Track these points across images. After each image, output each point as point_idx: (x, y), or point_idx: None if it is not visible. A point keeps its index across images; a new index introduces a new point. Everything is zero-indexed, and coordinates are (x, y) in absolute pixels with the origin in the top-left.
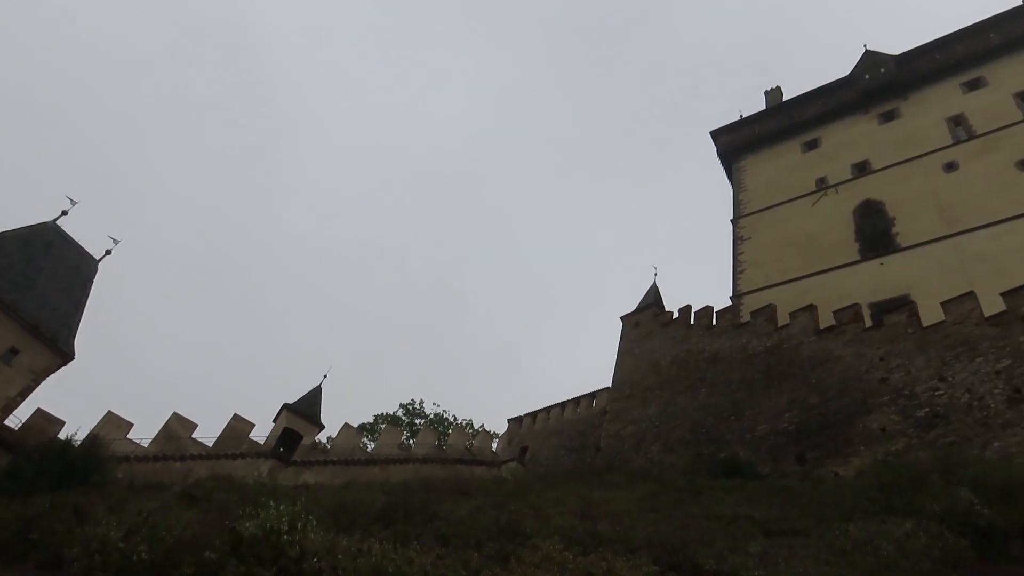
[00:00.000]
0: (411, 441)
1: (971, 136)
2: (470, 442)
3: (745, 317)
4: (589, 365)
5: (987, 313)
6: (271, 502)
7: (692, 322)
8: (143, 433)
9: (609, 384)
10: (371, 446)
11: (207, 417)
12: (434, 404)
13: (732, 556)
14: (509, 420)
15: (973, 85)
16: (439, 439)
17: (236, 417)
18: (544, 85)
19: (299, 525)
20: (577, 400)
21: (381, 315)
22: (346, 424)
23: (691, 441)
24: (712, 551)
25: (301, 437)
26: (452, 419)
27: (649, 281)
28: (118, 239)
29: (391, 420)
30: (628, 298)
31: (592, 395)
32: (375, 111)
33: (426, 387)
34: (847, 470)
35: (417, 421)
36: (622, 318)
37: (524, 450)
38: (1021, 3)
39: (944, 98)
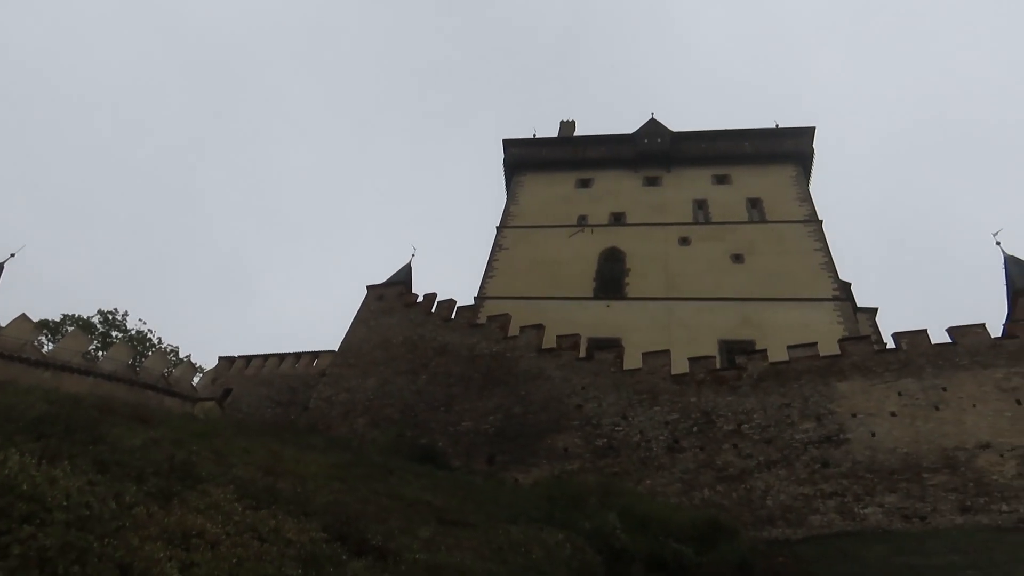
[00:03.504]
0: (100, 353)
1: (707, 221)
2: (170, 370)
3: (482, 319)
4: (319, 321)
5: (674, 371)
6: None
7: (433, 310)
8: None
9: (335, 348)
10: (49, 347)
11: None
12: (140, 320)
13: (402, 537)
14: (220, 358)
15: (721, 179)
16: (135, 359)
17: None
18: (364, 12)
19: None
20: (298, 355)
21: (97, 195)
22: (23, 315)
23: (399, 422)
24: (384, 529)
25: None
26: (156, 341)
27: (405, 258)
28: None
29: (83, 325)
30: (378, 266)
31: (315, 354)
32: None
33: (135, 298)
34: (527, 478)
35: (115, 334)
36: (368, 287)
37: (227, 392)
38: (775, 125)
39: (697, 182)
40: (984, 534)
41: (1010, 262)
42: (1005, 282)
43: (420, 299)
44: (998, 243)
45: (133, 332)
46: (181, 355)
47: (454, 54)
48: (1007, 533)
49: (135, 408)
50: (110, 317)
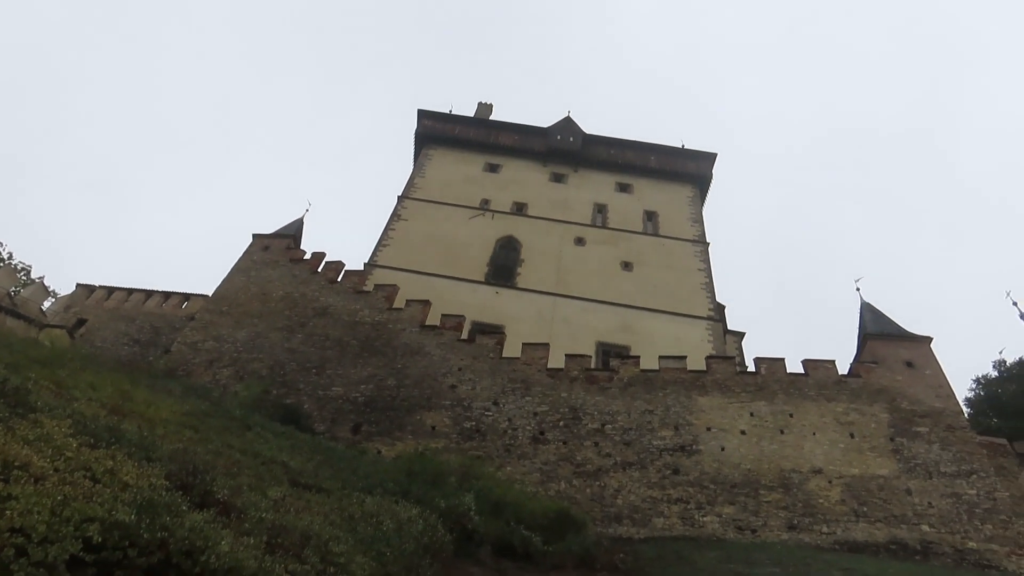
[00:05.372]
0: None
1: (604, 226)
2: (17, 289)
3: (369, 287)
4: (193, 261)
5: (550, 365)
6: None
7: (319, 270)
8: None
9: (208, 292)
10: None
11: None
12: None
13: (250, 494)
14: (79, 284)
15: (623, 188)
16: None
17: None
18: None
19: None
20: (167, 294)
21: None
22: None
23: (266, 378)
24: (232, 484)
25: None
26: (6, 256)
27: (298, 212)
28: None
29: None
30: (267, 216)
31: (185, 296)
32: None
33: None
34: (390, 451)
35: None
36: (254, 235)
37: (82, 322)
38: (682, 145)
39: (600, 186)
40: (804, 551)
41: (865, 308)
42: (859, 325)
43: (307, 256)
44: (858, 289)
45: None
46: (33, 275)
47: (376, 7)
48: (824, 552)
49: None
50: None
